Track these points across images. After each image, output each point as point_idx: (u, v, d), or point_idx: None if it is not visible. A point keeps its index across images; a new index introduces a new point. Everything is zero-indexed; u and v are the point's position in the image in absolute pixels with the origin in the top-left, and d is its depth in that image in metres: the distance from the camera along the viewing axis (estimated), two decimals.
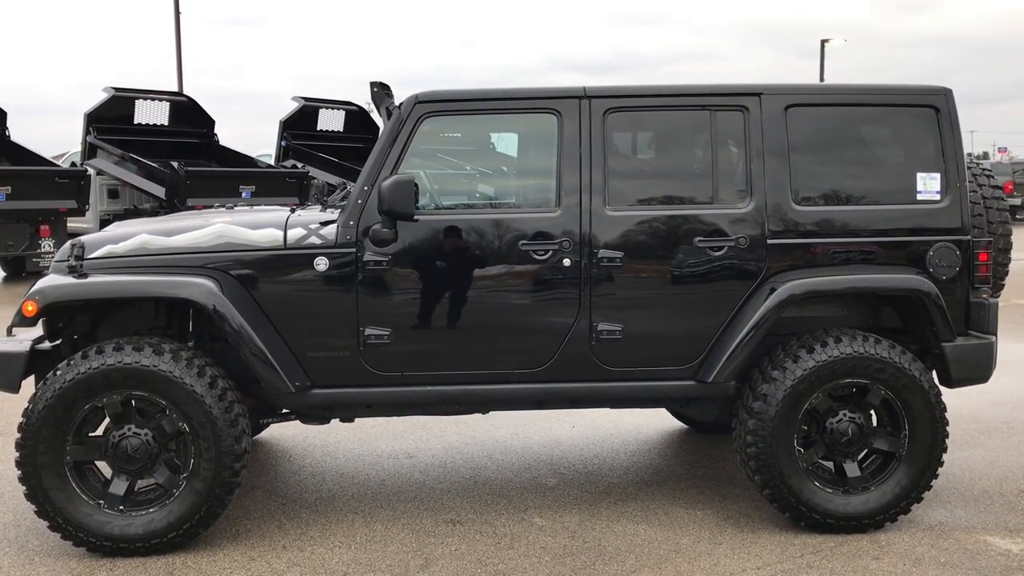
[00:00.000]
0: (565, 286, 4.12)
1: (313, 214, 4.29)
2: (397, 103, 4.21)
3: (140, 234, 4.16)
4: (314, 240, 4.08)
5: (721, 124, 4.22)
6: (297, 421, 4.46)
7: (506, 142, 4.68)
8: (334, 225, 4.10)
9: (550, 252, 4.10)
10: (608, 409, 4.51)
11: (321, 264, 4.06)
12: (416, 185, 4.00)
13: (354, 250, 4.06)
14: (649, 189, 4.31)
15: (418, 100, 4.13)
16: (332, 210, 4.31)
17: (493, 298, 4.13)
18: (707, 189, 4.22)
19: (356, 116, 17.28)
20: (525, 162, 4.60)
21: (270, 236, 4.10)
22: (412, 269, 4.09)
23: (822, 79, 36.87)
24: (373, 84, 4.44)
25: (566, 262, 4.10)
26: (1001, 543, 4.08)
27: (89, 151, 14.32)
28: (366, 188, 4.09)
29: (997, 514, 4.42)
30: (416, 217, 4.02)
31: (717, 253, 4.16)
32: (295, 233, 4.10)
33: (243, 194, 14.39)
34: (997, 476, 4.95)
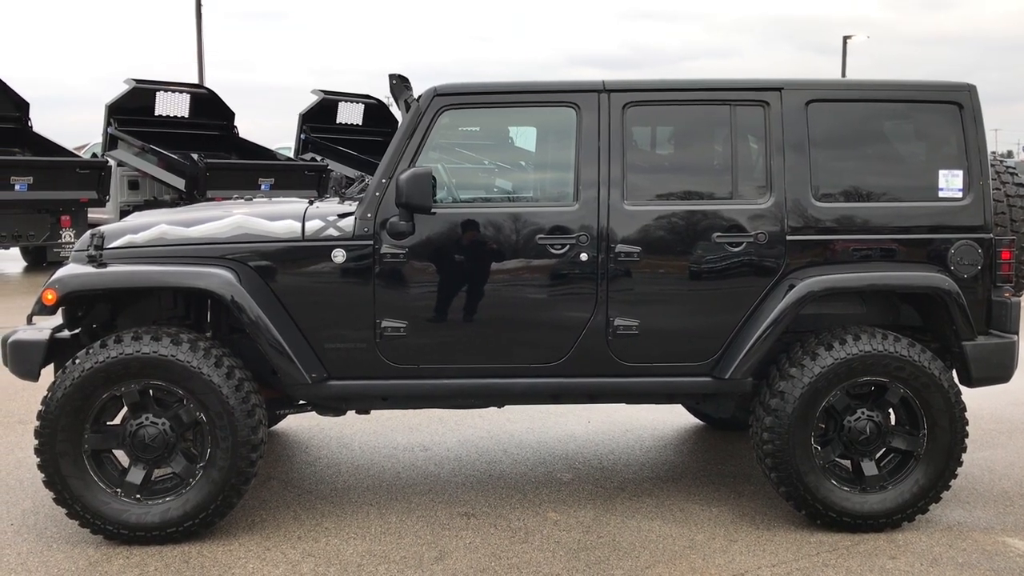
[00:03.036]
0: (582, 281, 4.11)
1: (331, 206, 4.30)
2: (415, 96, 4.21)
3: (159, 224, 4.18)
4: (332, 232, 4.08)
5: (741, 119, 4.19)
6: (313, 412, 4.47)
7: (524, 136, 4.66)
8: (352, 217, 4.10)
9: (567, 246, 4.09)
10: (624, 404, 4.49)
11: (339, 256, 4.06)
12: (434, 178, 4.00)
13: (371, 242, 4.07)
14: (668, 184, 4.29)
15: (436, 93, 4.12)
16: (350, 202, 4.32)
17: (510, 292, 4.13)
18: (726, 184, 4.20)
19: (375, 109, 17.31)
20: (543, 156, 4.59)
21: (288, 228, 4.11)
22: (429, 262, 4.09)
23: (844, 76, 36.63)
24: (392, 77, 4.43)
25: (583, 257, 4.09)
26: (1020, 544, 4.05)
27: (110, 142, 14.42)
28: (384, 181, 4.09)
29: (1016, 515, 4.38)
30: (433, 210, 4.02)
31: (736, 249, 4.13)
32: (313, 225, 4.11)
33: (262, 186, 14.47)
34: (1017, 477, 4.90)
